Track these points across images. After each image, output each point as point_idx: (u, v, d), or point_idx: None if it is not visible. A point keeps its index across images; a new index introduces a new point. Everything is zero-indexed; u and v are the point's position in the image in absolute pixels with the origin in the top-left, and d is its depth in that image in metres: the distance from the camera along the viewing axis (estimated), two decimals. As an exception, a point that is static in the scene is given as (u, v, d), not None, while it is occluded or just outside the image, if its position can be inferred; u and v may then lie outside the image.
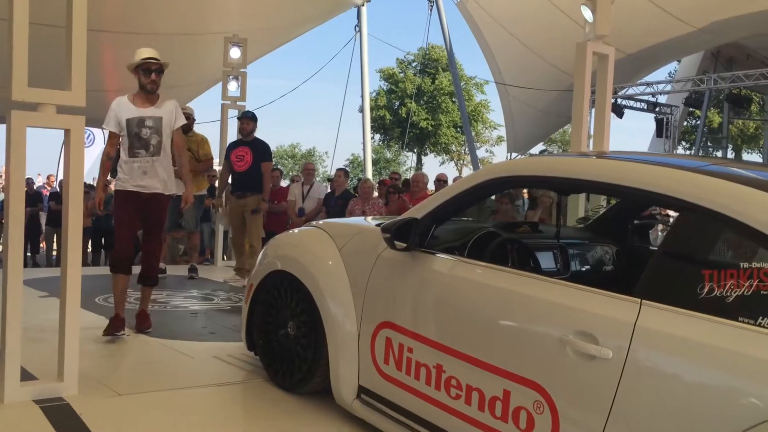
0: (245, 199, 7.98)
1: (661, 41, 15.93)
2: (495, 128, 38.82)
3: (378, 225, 3.66)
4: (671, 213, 4.85)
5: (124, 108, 4.97)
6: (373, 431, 3.33)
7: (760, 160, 25.99)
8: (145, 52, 4.97)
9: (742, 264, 2.28)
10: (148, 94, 5.01)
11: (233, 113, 10.07)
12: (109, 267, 5.14)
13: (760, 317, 2.16)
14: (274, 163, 9.05)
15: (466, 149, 36.68)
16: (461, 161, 40.01)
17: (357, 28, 16.90)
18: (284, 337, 3.94)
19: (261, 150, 8.00)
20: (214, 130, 9.35)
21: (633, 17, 13.12)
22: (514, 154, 22.70)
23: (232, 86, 10.14)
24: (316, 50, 56.59)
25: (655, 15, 14.05)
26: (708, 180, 2.53)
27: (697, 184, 2.51)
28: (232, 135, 9.61)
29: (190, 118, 7.91)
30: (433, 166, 60.90)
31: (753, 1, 12.89)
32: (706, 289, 2.30)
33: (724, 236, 2.48)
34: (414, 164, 38.62)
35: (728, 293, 2.26)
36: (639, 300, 2.42)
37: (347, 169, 10.95)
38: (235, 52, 10.07)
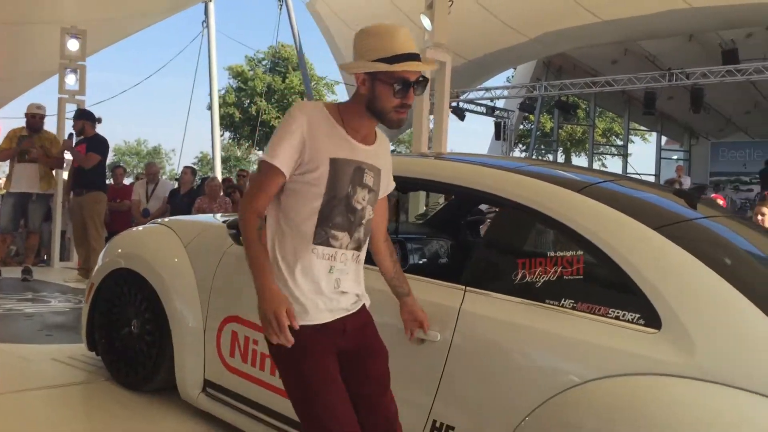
0: (82, 197, 7.87)
1: (498, 49, 16.90)
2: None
3: (225, 222, 3.73)
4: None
5: (325, 131, 2.30)
6: (217, 424, 3.41)
7: (586, 163, 28.17)
8: (403, 41, 2.27)
9: (548, 253, 2.59)
10: (370, 124, 2.38)
11: (72, 107, 9.62)
12: None
13: (563, 299, 2.48)
14: (116, 160, 8.86)
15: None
16: (312, 160, 40.15)
17: (204, 24, 16.60)
18: (128, 335, 3.90)
19: (94, 146, 7.90)
20: (50, 124, 8.88)
21: (472, 25, 13.86)
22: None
23: (70, 79, 9.68)
24: (164, 44, 54.68)
25: (493, 24, 14.91)
26: (522, 179, 2.85)
27: (513, 182, 2.82)
28: (70, 130, 9.20)
29: (36, 116, 8.07)
30: (283, 164, 60.40)
31: (576, 16, 14.00)
32: (519, 276, 2.60)
33: (534, 228, 2.79)
34: (264, 163, 38.26)
35: (537, 279, 2.57)
36: (464, 287, 2.69)
37: (194, 167, 10.76)
38: (73, 44, 9.62)
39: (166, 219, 4.38)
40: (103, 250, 4.32)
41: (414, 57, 2.27)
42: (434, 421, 2.64)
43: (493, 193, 2.82)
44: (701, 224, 2.77)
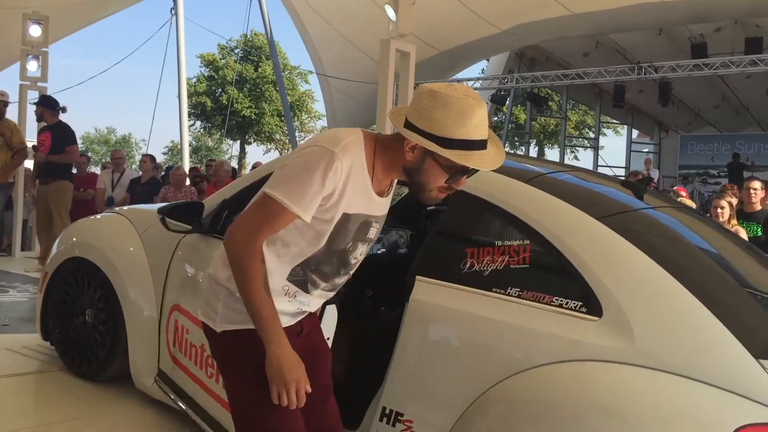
0: (47, 186, 7.77)
1: (471, 40, 16.93)
2: (319, 118, 39.10)
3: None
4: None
5: (357, 185, 1.95)
6: (171, 413, 3.40)
7: (558, 155, 28.38)
8: (477, 125, 1.85)
9: (496, 242, 2.61)
10: (397, 178, 2.07)
11: (33, 94, 9.48)
12: None
13: (509, 287, 2.51)
14: (84, 149, 8.78)
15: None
16: (285, 150, 40.01)
17: (173, 11, 16.41)
18: (82, 324, 3.87)
19: (61, 134, 7.80)
20: (11, 112, 8.73)
21: (444, 16, 13.87)
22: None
23: (32, 66, 9.52)
24: (133, 30, 53.95)
25: (465, 15, 14.92)
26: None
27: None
28: (32, 117, 9.07)
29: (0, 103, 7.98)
30: (256, 154, 60.35)
31: (548, 8, 14.07)
32: (468, 265, 2.62)
33: (483, 218, 2.80)
34: (237, 153, 38.10)
35: (485, 268, 2.58)
36: (414, 276, 2.70)
37: (153, 155, 10.62)
38: (35, 30, 9.45)
39: (124, 208, 4.34)
40: (58, 239, 4.28)
41: (483, 145, 1.88)
42: (384, 408, 2.65)
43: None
44: (645, 215, 2.81)
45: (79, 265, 3.91)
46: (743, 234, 5.79)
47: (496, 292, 2.52)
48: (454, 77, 20.38)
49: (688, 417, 2.07)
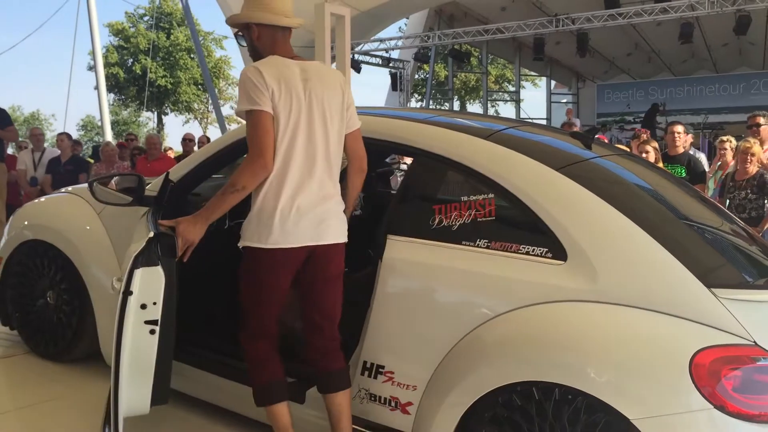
0: None
1: (389, -1, 16.88)
2: (238, 85, 38.24)
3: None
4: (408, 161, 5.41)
5: None
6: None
7: (480, 110, 28.82)
8: None
9: (462, 198, 2.75)
10: None
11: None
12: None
13: (477, 239, 2.66)
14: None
15: (211, 107, 35.93)
16: (206, 119, 39.07)
17: (82, -21, 15.69)
18: (44, 307, 3.85)
19: None
20: None
21: (364, -24, 13.76)
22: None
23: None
24: (39, 2, 51.11)
25: (382, -26, 14.86)
26: (434, 129, 2.99)
27: (425, 132, 2.96)
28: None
29: None
30: (176, 125, 58.63)
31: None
32: (436, 221, 2.76)
33: (448, 175, 2.93)
34: (155, 125, 37.02)
35: (453, 223, 2.73)
36: (385, 236, 2.82)
37: (69, 133, 10.17)
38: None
39: (74, 187, 4.27)
40: (8, 224, 4.19)
41: None
42: (365, 362, 2.79)
43: (408, 145, 2.94)
44: (596, 163, 3.00)
45: (36, 247, 3.86)
46: (668, 176, 6.12)
47: (465, 244, 2.67)
48: (375, 37, 20.33)
49: (651, 344, 2.28)
